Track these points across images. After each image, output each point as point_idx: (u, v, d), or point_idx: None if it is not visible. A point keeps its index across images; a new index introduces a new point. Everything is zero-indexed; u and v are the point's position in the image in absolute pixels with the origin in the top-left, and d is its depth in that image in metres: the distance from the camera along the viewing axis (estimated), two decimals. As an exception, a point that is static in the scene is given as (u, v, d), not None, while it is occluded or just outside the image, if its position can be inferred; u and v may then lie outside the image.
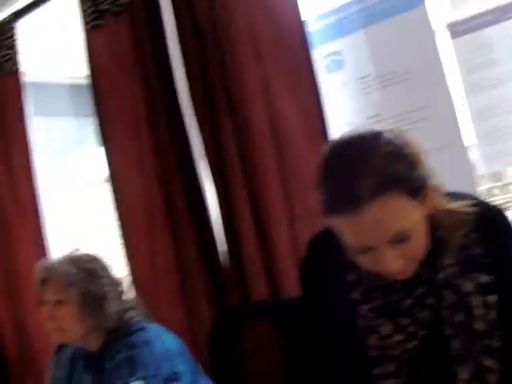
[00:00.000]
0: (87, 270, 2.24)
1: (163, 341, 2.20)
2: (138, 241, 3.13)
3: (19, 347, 3.84)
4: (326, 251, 1.59)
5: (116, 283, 2.30)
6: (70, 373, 2.40)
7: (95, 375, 2.27)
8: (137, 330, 2.21)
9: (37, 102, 4.04)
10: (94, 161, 3.44)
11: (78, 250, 2.33)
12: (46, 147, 4.12)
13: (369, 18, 2.80)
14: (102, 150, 3.25)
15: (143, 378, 1.94)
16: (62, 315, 2.22)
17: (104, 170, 3.26)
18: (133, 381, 1.98)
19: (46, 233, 3.75)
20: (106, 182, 3.22)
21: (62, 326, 2.23)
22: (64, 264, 2.25)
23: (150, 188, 3.09)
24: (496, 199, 2.99)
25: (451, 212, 1.44)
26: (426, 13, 2.63)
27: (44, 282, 2.25)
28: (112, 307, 2.22)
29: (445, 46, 2.66)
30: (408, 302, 1.47)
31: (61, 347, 2.98)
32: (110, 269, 2.31)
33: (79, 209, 3.94)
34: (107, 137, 3.23)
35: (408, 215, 1.31)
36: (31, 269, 3.63)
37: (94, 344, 2.27)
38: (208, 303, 2.99)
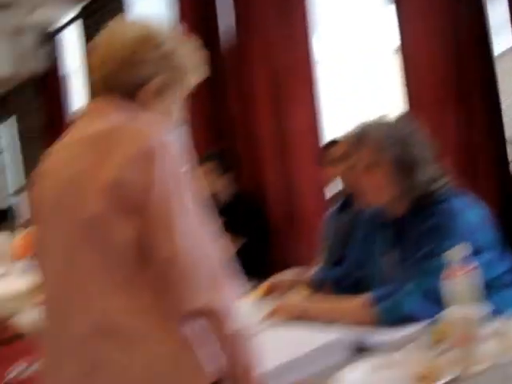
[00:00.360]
0: (402, 134, 2.19)
1: (471, 212, 2.15)
2: (426, 115, 3.07)
3: (285, 206, 4.00)
4: None
5: (429, 150, 2.23)
6: (367, 235, 2.42)
7: (396, 240, 2.26)
8: (446, 199, 2.16)
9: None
10: (383, 31, 3.39)
11: (387, 115, 2.29)
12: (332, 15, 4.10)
13: None
14: (392, 23, 3.19)
15: (451, 246, 1.90)
16: (372, 178, 2.20)
17: (393, 41, 3.21)
18: (440, 248, 1.96)
19: (320, 96, 3.82)
20: (395, 53, 3.17)
21: (371, 189, 2.22)
22: (379, 128, 2.22)
23: (442, 62, 3.01)
24: None
25: None
26: None
27: (359, 143, 2.22)
28: (423, 174, 2.17)
29: None
30: None
31: (344, 207, 3.04)
32: (423, 135, 2.27)
33: (361, 78, 3.95)
34: (400, 7, 3.17)
35: None
36: (303, 130, 3.76)
37: (399, 209, 2.24)
38: (495, 187, 2.95)
